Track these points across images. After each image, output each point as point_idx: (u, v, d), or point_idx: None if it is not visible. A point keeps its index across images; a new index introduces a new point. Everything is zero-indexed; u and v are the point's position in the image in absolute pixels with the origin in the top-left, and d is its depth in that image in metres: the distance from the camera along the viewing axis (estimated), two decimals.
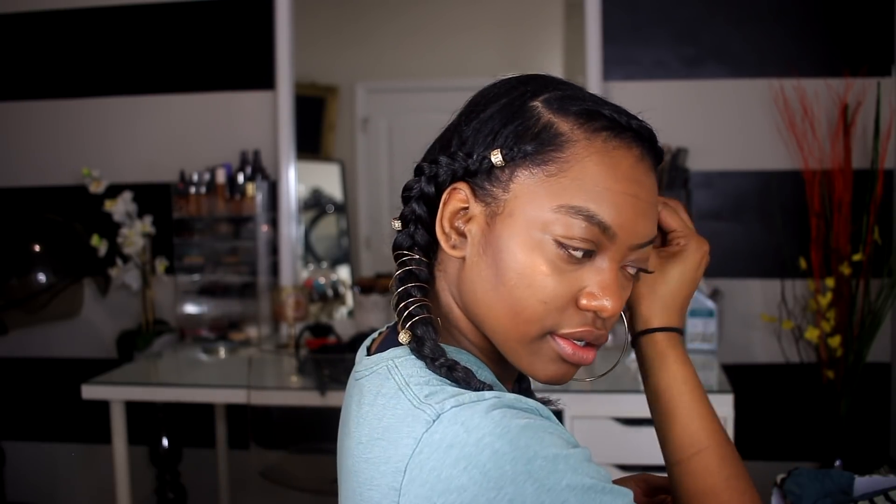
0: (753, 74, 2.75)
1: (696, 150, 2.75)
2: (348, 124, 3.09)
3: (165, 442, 2.81)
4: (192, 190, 2.88)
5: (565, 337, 0.73)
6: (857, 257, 2.57)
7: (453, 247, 0.75)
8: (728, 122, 2.78)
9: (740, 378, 2.51)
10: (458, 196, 0.75)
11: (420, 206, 0.77)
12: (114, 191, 2.90)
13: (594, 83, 2.77)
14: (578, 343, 0.73)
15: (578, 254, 0.71)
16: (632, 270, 0.76)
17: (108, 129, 3.07)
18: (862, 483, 1.62)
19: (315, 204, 3.15)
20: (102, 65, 3.07)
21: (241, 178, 2.88)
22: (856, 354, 2.60)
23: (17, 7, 3.08)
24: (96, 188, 2.89)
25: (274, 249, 2.97)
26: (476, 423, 0.65)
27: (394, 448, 0.68)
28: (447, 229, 0.75)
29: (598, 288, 0.72)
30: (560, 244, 0.71)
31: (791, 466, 1.75)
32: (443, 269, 0.79)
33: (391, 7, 3.07)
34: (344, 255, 3.22)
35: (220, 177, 2.87)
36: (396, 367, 0.74)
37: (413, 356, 0.74)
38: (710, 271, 2.77)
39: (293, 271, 2.97)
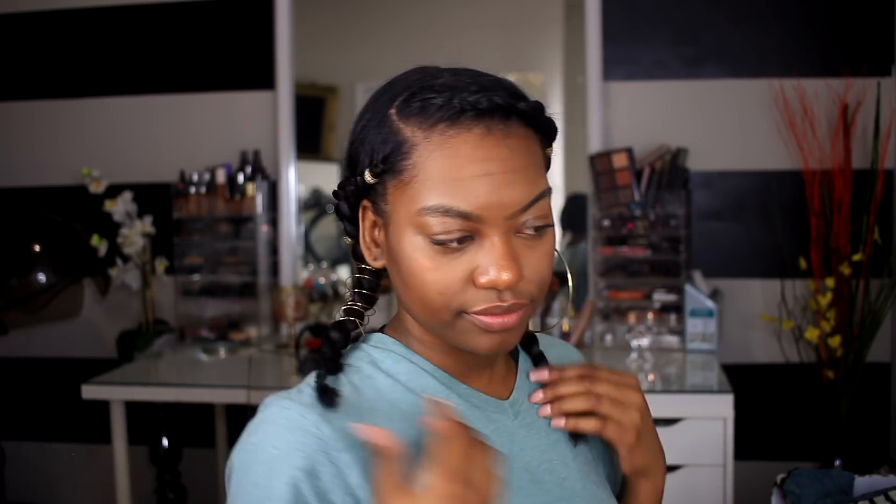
0: (753, 74, 2.75)
1: (696, 150, 2.75)
2: (348, 124, 3.07)
3: (165, 442, 2.81)
4: (192, 190, 2.88)
5: (478, 314, 0.76)
6: (857, 257, 2.57)
7: (374, 259, 0.82)
8: (728, 122, 2.78)
9: (740, 378, 2.51)
10: (367, 214, 0.81)
11: (347, 224, 0.84)
12: (114, 191, 2.90)
13: (594, 83, 2.77)
14: (496, 317, 0.76)
15: (453, 244, 0.75)
16: (530, 231, 0.77)
17: (108, 129, 3.07)
18: (862, 483, 1.62)
19: (315, 204, 3.15)
20: (102, 65, 3.07)
21: (241, 178, 2.88)
22: (856, 354, 2.60)
23: (17, 7, 3.08)
24: (96, 188, 2.89)
25: (274, 249, 2.97)
26: (254, 422, 0.81)
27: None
28: (368, 243, 0.82)
29: (489, 264, 0.75)
30: (433, 241, 0.75)
31: (791, 466, 1.75)
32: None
33: (391, 7, 3.07)
34: (344, 255, 3.22)
35: (220, 177, 2.87)
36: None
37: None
38: (711, 271, 2.77)
39: (293, 271, 2.97)
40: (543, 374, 0.87)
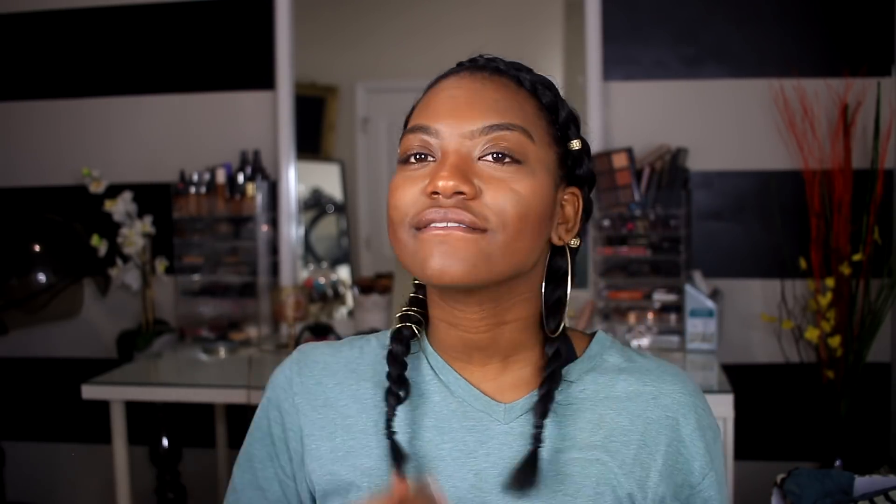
0: (753, 74, 2.75)
1: (696, 150, 2.75)
2: (348, 124, 3.09)
3: (165, 442, 2.81)
4: (192, 190, 2.88)
5: (419, 225, 0.79)
6: (857, 257, 2.57)
7: None
8: (728, 122, 2.78)
9: (740, 378, 2.51)
10: None
11: None
12: (114, 191, 2.90)
13: (594, 83, 2.77)
14: (436, 225, 0.78)
15: (412, 161, 0.81)
16: (490, 158, 0.80)
17: (108, 129, 3.07)
18: (862, 483, 1.62)
19: (315, 204, 3.15)
20: (103, 65, 3.07)
21: (241, 178, 2.88)
22: (856, 354, 2.60)
23: (17, 7, 3.08)
24: (96, 188, 2.89)
25: (274, 249, 2.97)
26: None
27: None
28: None
29: (434, 174, 0.79)
30: (401, 161, 0.83)
31: (791, 466, 1.75)
32: None
33: (391, 7, 3.07)
34: (344, 255, 3.22)
35: (220, 177, 2.87)
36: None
37: None
38: (711, 271, 2.77)
39: (293, 271, 2.97)
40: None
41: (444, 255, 0.78)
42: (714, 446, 0.89)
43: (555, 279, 0.88)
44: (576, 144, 0.87)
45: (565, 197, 0.86)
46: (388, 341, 0.90)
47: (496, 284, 0.81)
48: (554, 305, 0.87)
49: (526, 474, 0.81)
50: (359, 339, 0.95)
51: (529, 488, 0.81)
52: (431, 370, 0.88)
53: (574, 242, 0.88)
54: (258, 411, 0.95)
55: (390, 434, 0.83)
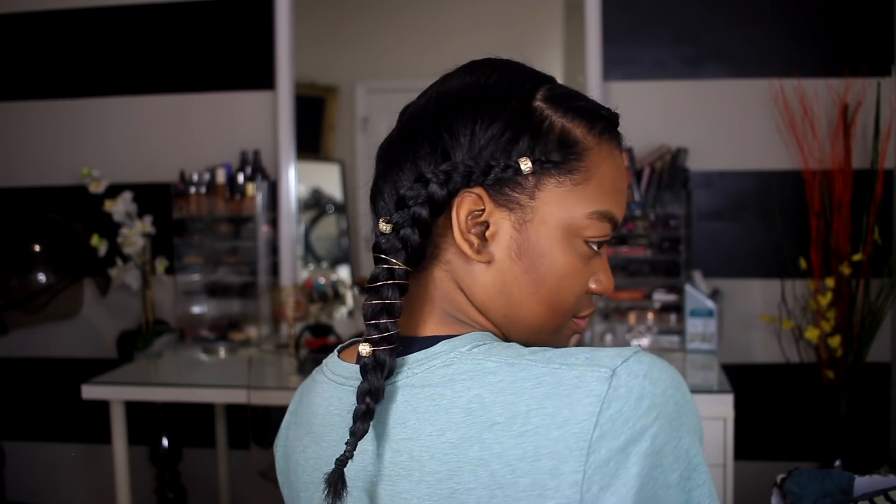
0: (753, 74, 2.75)
1: (696, 150, 2.75)
2: (348, 124, 3.09)
3: (165, 442, 2.81)
4: (192, 190, 2.88)
5: (579, 317, 0.81)
6: (857, 257, 2.57)
7: (478, 252, 0.75)
8: (728, 122, 2.78)
9: (740, 378, 2.51)
10: (472, 200, 0.75)
11: (425, 209, 0.75)
12: (114, 191, 2.90)
13: (594, 83, 2.77)
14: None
15: (597, 248, 0.78)
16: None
17: (108, 129, 3.07)
18: (862, 483, 1.62)
19: (315, 204, 3.15)
20: (102, 65, 3.07)
21: (241, 178, 2.88)
22: (856, 354, 2.60)
23: (17, 7, 3.08)
24: (96, 188, 2.89)
25: (274, 249, 2.97)
26: (657, 375, 0.71)
27: (569, 410, 0.68)
28: (467, 234, 0.75)
29: (604, 274, 0.80)
30: (588, 244, 0.77)
31: (791, 466, 1.75)
32: (445, 264, 0.78)
33: (391, 7, 3.07)
34: (344, 255, 3.22)
35: (220, 177, 2.87)
36: (479, 350, 0.74)
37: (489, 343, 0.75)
38: (711, 271, 2.77)
39: (293, 271, 2.97)
40: None
41: (573, 343, 0.83)
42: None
43: None
44: None
45: None
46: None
47: None
48: None
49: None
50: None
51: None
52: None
53: None
54: None
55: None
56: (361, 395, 0.71)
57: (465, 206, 0.75)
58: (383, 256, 0.75)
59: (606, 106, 0.82)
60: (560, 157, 0.75)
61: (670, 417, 0.70)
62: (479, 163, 0.75)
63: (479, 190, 0.75)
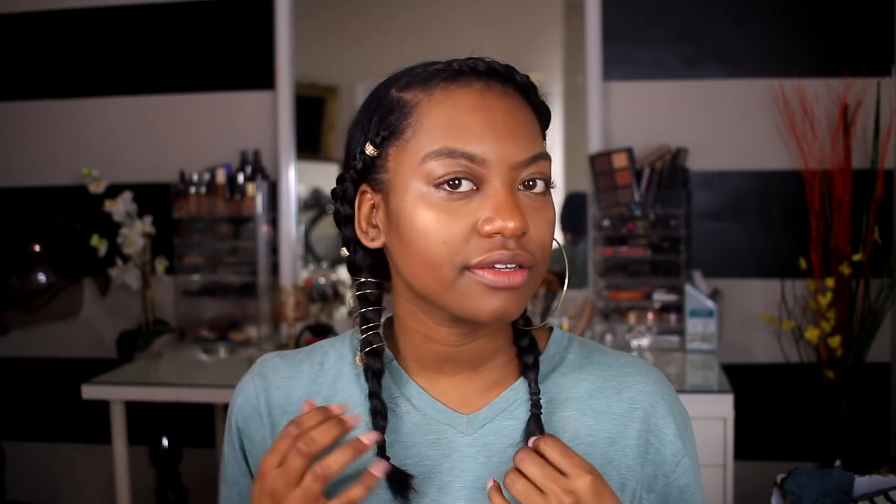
0: (753, 74, 2.75)
1: (696, 150, 2.75)
2: (348, 124, 3.08)
3: (165, 442, 2.81)
4: (192, 190, 2.88)
5: (481, 266, 0.75)
6: (857, 257, 2.57)
7: (372, 240, 0.82)
8: (728, 122, 2.78)
9: (740, 378, 2.51)
10: (366, 197, 0.82)
11: (348, 228, 0.84)
12: (114, 191, 2.90)
13: (594, 83, 2.77)
14: (499, 268, 0.75)
15: (458, 189, 0.75)
16: (537, 189, 0.78)
17: (108, 129, 3.07)
18: (862, 483, 1.63)
19: (315, 204, 3.15)
20: (102, 65, 3.07)
21: (241, 178, 2.88)
22: (856, 354, 2.60)
23: (17, 7, 3.08)
24: (96, 188, 2.89)
25: (274, 249, 2.97)
26: None
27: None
28: (365, 228, 0.83)
29: (492, 211, 0.74)
30: (438, 185, 0.75)
31: (791, 466, 1.75)
32: (394, 274, 0.85)
33: (391, 7, 3.07)
34: None
35: (220, 177, 2.87)
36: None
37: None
38: (711, 271, 2.77)
39: (293, 271, 2.97)
40: None
41: (508, 297, 0.76)
42: (685, 433, 0.89)
43: None
44: (545, 144, 0.82)
45: None
46: (347, 352, 0.90)
47: None
48: None
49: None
50: (317, 350, 0.92)
51: None
52: (392, 382, 0.87)
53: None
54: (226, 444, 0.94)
55: (386, 458, 0.81)
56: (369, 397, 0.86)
57: (363, 205, 0.82)
58: (352, 276, 0.87)
59: (478, 57, 0.80)
60: (391, 126, 0.79)
61: None
62: (351, 165, 0.82)
63: (364, 186, 0.82)
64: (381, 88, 0.83)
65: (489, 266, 0.75)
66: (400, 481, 0.81)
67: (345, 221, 0.84)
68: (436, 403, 0.85)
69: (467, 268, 0.75)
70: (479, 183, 0.75)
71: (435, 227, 0.75)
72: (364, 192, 0.82)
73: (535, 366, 0.85)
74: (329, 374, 0.89)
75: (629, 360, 0.90)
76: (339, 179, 0.84)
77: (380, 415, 0.83)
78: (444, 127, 0.76)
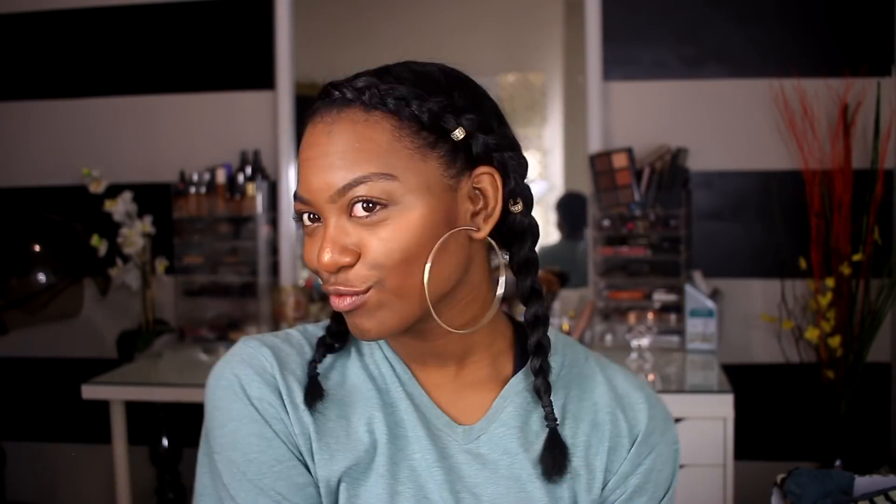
0: (753, 74, 2.75)
1: (696, 150, 2.75)
2: None
3: (165, 442, 2.81)
4: (192, 190, 2.88)
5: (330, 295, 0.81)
6: (857, 257, 2.57)
7: None
8: (728, 122, 2.78)
9: (740, 378, 2.51)
10: None
11: None
12: (114, 191, 2.90)
13: (594, 83, 2.77)
14: (335, 298, 0.80)
15: (305, 225, 0.81)
16: (358, 213, 0.78)
17: (108, 129, 3.07)
18: (862, 483, 1.63)
19: None
20: (102, 65, 3.07)
21: (241, 178, 2.88)
22: (856, 354, 2.60)
23: (17, 7, 3.08)
24: (96, 188, 2.89)
25: (274, 249, 2.97)
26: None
27: None
28: None
29: (317, 248, 0.79)
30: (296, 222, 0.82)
31: (791, 466, 1.75)
32: None
33: (391, 7, 3.07)
34: None
35: (220, 177, 2.87)
36: None
37: None
38: (711, 271, 2.77)
39: (293, 271, 2.97)
40: None
41: (354, 318, 0.80)
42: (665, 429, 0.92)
43: (522, 269, 0.85)
44: (458, 134, 0.79)
45: (475, 184, 0.81)
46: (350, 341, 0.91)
47: (426, 310, 0.79)
48: (529, 294, 0.85)
49: (556, 456, 0.83)
50: (315, 333, 0.90)
51: (563, 470, 0.83)
52: (396, 378, 0.87)
53: (516, 209, 0.83)
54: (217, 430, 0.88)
55: (314, 373, 0.85)
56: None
57: None
58: None
59: (335, 81, 0.82)
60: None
61: (205, 395, 0.91)
62: None
63: None
64: None
65: (333, 294, 0.80)
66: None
67: None
68: (435, 409, 0.86)
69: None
70: (321, 218, 0.79)
71: (304, 256, 0.82)
72: None
73: (547, 386, 0.85)
74: (330, 359, 0.89)
75: (604, 364, 0.94)
76: None
77: (323, 344, 0.87)
78: (298, 170, 0.82)
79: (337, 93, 0.79)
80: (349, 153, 0.77)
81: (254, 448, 0.83)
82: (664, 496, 0.90)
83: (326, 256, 0.77)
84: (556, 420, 0.84)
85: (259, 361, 0.85)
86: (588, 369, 0.92)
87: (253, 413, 0.83)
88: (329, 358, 0.88)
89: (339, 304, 0.79)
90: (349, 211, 0.77)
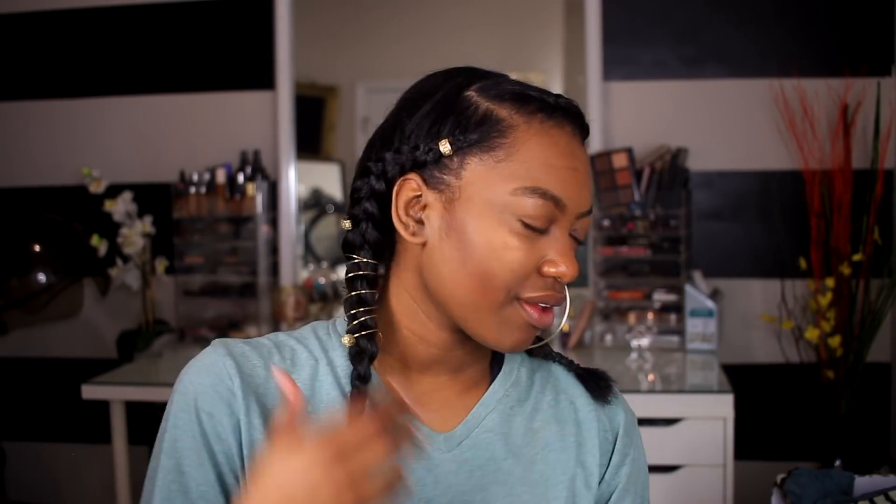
0: (753, 74, 2.75)
1: (696, 150, 2.75)
2: (348, 124, 3.09)
3: None
4: (192, 190, 2.88)
5: (530, 302, 0.79)
6: (857, 257, 2.57)
7: (413, 234, 0.80)
8: (728, 122, 2.78)
9: (740, 378, 2.51)
10: (410, 186, 0.80)
11: (371, 203, 0.82)
12: (114, 191, 2.90)
13: (594, 83, 2.77)
14: (543, 307, 0.80)
15: (539, 229, 0.78)
16: (577, 237, 0.82)
17: (108, 129, 3.07)
18: (862, 483, 1.63)
19: (315, 204, 3.15)
20: (102, 64, 3.07)
21: (241, 178, 2.88)
22: (856, 354, 2.60)
23: (17, 7, 3.08)
24: (96, 188, 2.89)
25: (274, 249, 2.97)
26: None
27: None
28: (404, 218, 0.81)
29: (558, 255, 0.79)
30: (523, 222, 0.77)
31: (791, 466, 1.75)
32: (398, 268, 0.84)
33: (391, 7, 3.07)
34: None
35: (220, 177, 2.87)
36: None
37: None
38: (711, 271, 2.77)
39: (293, 271, 2.97)
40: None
41: (532, 332, 0.81)
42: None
43: None
44: None
45: None
46: (319, 352, 0.85)
47: None
48: None
49: (596, 380, 0.91)
50: (283, 346, 0.86)
51: (610, 388, 0.91)
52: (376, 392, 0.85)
53: None
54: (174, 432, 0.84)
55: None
56: (352, 379, 0.81)
57: (404, 192, 0.81)
58: (346, 254, 0.84)
59: (568, 98, 0.82)
60: (480, 136, 0.78)
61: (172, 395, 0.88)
62: (409, 150, 0.80)
63: (413, 175, 0.80)
64: (454, 84, 0.82)
65: (536, 303, 0.79)
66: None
67: (373, 197, 0.82)
68: (413, 420, 0.84)
69: (518, 299, 0.79)
70: (549, 224, 0.79)
71: (510, 254, 0.77)
72: (408, 180, 0.80)
73: (549, 349, 0.93)
74: (304, 373, 0.84)
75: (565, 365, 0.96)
76: (380, 159, 0.82)
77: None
78: (540, 165, 0.78)
79: (580, 110, 0.82)
80: (590, 177, 0.83)
81: (186, 461, 0.83)
82: (646, 479, 0.94)
83: (573, 268, 0.79)
84: (571, 361, 0.92)
85: (219, 372, 0.84)
86: (557, 371, 0.94)
87: (196, 428, 0.82)
88: (306, 370, 0.84)
89: (545, 319, 0.80)
90: (573, 231, 0.81)
